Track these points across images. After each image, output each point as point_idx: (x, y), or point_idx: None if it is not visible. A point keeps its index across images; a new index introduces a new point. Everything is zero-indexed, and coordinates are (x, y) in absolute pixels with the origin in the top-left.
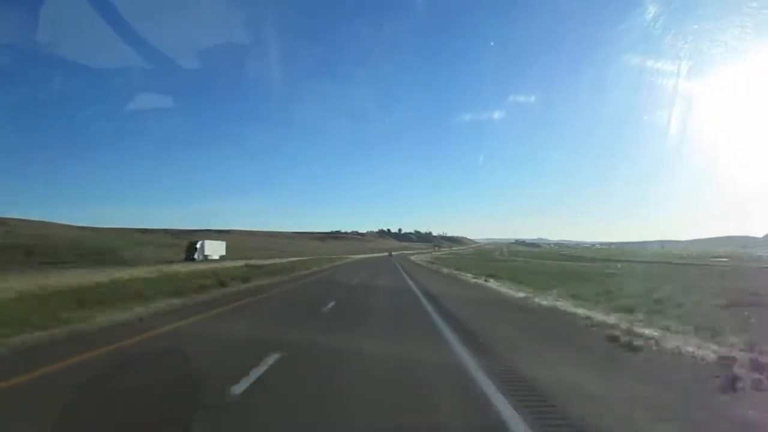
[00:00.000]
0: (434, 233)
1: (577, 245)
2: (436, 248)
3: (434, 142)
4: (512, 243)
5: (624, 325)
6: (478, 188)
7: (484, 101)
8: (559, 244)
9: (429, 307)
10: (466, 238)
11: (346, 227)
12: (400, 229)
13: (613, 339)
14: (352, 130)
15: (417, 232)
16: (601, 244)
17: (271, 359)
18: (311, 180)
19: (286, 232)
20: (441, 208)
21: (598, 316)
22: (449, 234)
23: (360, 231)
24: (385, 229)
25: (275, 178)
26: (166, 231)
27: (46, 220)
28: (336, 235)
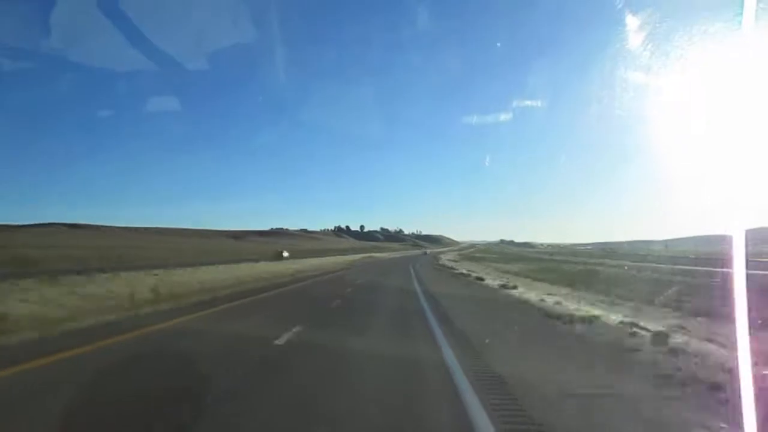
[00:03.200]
0: (406, 231)
1: (561, 247)
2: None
3: (407, 137)
4: (497, 243)
5: None
6: (457, 187)
7: (472, 99)
8: (551, 246)
9: None
10: (446, 238)
11: (295, 225)
12: (362, 227)
13: None
14: (317, 121)
15: (384, 230)
16: (592, 244)
17: None
18: (250, 172)
19: (183, 229)
20: (413, 206)
21: None
22: (425, 233)
23: (308, 229)
24: (343, 226)
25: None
26: None
27: None
28: (274, 233)
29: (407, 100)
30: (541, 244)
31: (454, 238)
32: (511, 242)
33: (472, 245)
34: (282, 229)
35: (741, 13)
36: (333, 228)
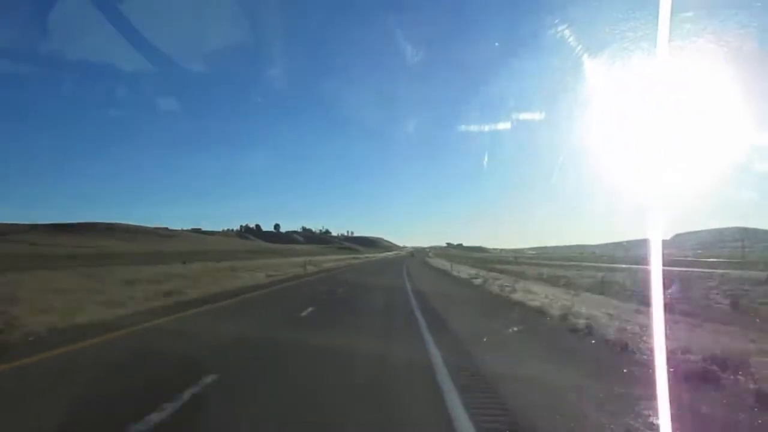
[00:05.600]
0: (334, 233)
1: (516, 251)
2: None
3: (347, 135)
4: (444, 247)
5: None
6: (397, 189)
7: (425, 104)
8: (504, 250)
9: None
10: (385, 241)
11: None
12: (277, 226)
13: None
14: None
15: (306, 231)
16: (535, 249)
17: None
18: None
19: None
20: (345, 206)
21: None
22: (358, 234)
23: (203, 228)
24: (252, 225)
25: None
26: None
27: None
28: (69, 228)
29: (355, 100)
30: (494, 249)
31: (395, 242)
32: (459, 246)
33: (418, 250)
34: (96, 222)
35: (655, 45)
36: (239, 227)
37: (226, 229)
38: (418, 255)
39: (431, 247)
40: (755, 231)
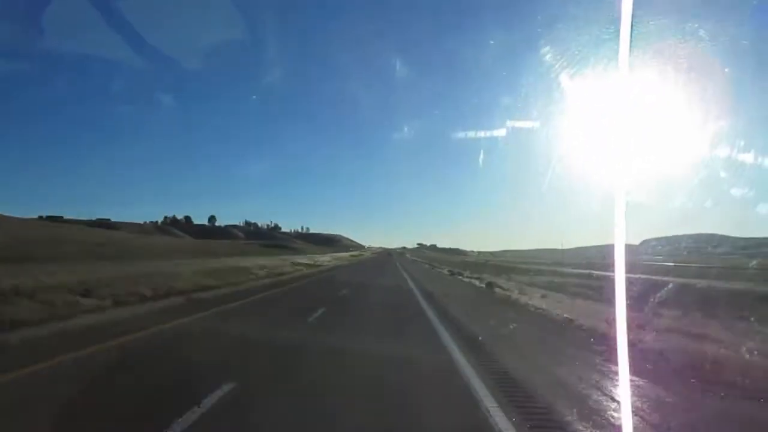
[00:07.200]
0: (284, 228)
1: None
2: None
3: (314, 122)
4: (416, 248)
5: None
6: (361, 184)
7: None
8: (482, 253)
9: None
10: (346, 239)
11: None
12: (212, 218)
13: None
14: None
15: (250, 224)
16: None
17: None
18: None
19: None
20: (300, 200)
21: None
22: (314, 230)
23: (112, 219)
24: (180, 217)
25: None
26: None
27: None
28: None
29: (333, 95)
30: (471, 252)
31: (358, 241)
32: (433, 247)
33: (388, 251)
34: None
35: (617, 56)
36: (163, 219)
37: (147, 221)
38: (399, 259)
39: (403, 248)
40: (727, 238)
